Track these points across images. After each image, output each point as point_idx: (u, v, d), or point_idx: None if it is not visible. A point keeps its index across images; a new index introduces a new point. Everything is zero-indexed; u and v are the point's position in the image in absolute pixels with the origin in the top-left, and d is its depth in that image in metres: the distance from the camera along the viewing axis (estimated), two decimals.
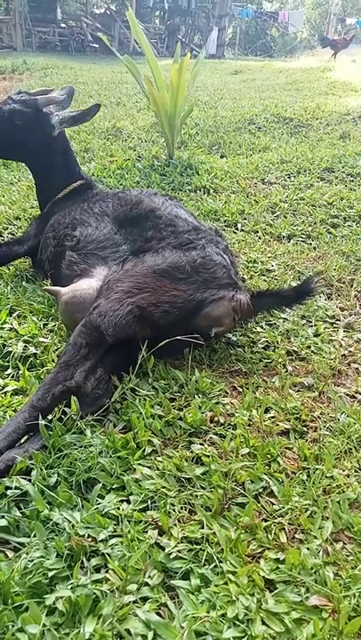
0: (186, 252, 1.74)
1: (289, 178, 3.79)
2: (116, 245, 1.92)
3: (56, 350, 1.72)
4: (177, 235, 1.82)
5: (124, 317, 1.51)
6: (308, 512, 1.17)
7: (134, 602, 0.96)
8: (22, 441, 1.32)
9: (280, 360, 1.77)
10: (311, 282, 1.73)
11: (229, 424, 1.45)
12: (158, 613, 0.95)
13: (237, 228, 2.94)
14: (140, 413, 1.41)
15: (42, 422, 1.29)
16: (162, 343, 1.59)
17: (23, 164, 3.39)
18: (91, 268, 1.87)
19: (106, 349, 1.51)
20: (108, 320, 1.49)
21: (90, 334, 1.48)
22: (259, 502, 1.20)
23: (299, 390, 1.64)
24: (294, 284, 2.29)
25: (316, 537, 1.11)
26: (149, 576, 1.01)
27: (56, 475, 1.20)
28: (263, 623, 0.94)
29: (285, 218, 3.06)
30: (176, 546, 1.06)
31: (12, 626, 0.90)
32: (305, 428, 1.47)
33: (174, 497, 1.19)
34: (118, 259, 1.84)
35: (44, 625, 0.90)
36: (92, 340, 1.47)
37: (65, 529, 1.07)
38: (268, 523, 1.14)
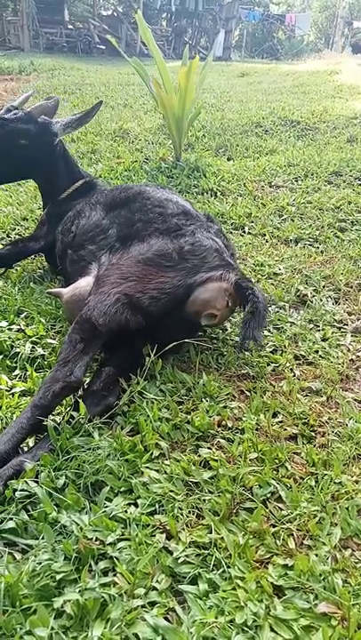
0: (174, 240, 1.68)
1: (296, 181, 3.78)
2: (104, 231, 1.87)
3: None
4: (165, 218, 1.76)
5: (112, 306, 1.50)
6: (317, 518, 1.16)
7: (142, 606, 0.96)
8: (31, 445, 1.32)
9: (288, 364, 1.76)
10: (257, 338, 1.59)
11: (237, 428, 1.45)
12: (166, 618, 0.95)
13: (245, 231, 2.94)
14: (148, 416, 1.41)
15: (50, 424, 1.28)
16: (169, 346, 1.59)
17: None
18: (88, 265, 1.86)
19: (103, 341, 1.50)
20: (98, 311, 1.49)
21: (82, 328, 1.48)
22: (267, 507, 1.19)
23: (307, 395, 1.63)
24: (302, 287, 2.29)
25: (324, 543, 1.10)
26: (157, 580, 1.01)
27: (64, 477, 1.20)
28: (272, 630, 0.93)
29: (293, 221, 3.06)
30: (184, 550, 1.06)
31: (21, 628, 0.90)
32: (313, 433, 1.46)
33: (182, 501, 1.18)
34: (106, 247, 1.82)
35: (52, 628, 0.90)
36: (85, 333, 1.47)
37: (73, 532, 1.07)
38: (277, 528, 1.14)
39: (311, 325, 2.04)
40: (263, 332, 1.73)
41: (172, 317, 1.61)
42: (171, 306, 1.59)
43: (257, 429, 1.44)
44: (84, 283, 1.76)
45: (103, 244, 1.84)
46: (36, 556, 1.02)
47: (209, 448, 1.36)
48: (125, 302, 1.52)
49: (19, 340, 1.75)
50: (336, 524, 1.16)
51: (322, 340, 1.93)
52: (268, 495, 1.22)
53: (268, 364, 1.77)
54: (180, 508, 1.16)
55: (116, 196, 1.97)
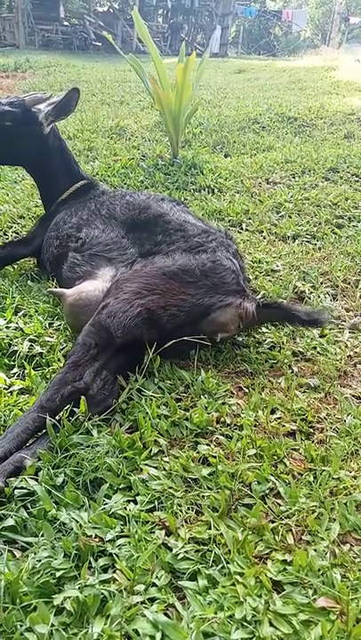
0: (196, 256, 1.73)
1: (293, 178, 3.78)
2: (124, 249, 1.90)
3: (62, 349, 1.72)
4: (187, 239, 1.82)
5: (132, 319, 1.51)
6: (316, 514, 1.17)
7: (142, 602, 0.96)
8: (30, 441, 1.32)
9: (286, 361, 1.77)
10: (325, 314, 1.75)
11: (236, 425, 1.45)
12: (166, 614, 0.95)
13: (242, 228, 2.94)
14: (147, 413, 1.42)
15: (49, 422, 1.28)
16: (168, 344, 1.59)
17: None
18: (95, 270, 1.86)
19: (114, 350, 1.51)
20: (118, 321, 1.49)
21: (99, 334, 1.48)
22: (266, 503, 1.20)
23: (305, 391, 1.64)
24: (299, 284, 2.29)
25: (323, 539, 1.11)
26: (157, 576, 1.01)
27: (63, 474, 1.21)
28: (271, 625, 0.94)
29: (290, 218, 3.06)
30: (183, 546, 1.06)
31: (21, 625, 0.90)
32: (311, 430, 1.47)
33: (181, 497, 1.19)
34: (126, 261, 1.84)
35: (53, 625, 0.90)
36: (101, 340, 1.47)
37: (72, 529, 1.07)
38: (276, 524, 1.14)
39: (315, 328, 2.03)
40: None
41: (183, 332, 1.63)
42: (185, 323, 1.63)
43: (255, 426, 1.45)
44: (91, 287, 1.75)
45: (123, 258, 1.87)
46: (35, 554, 1.02)
47: (208, 445, 1.36)
48: (146, 317, 1.54)
49: (16, 337, 1.75)
50: (334, 520, 1.16)
51: (320, 337, 1.93)
52: (267, 491, 1.23)
53: (267, 361, 1.78)
54: (180, 505, 1.17)
55: (136, 217, 1.98)
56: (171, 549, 1.06)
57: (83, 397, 1.39)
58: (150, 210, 1.98)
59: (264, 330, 1.94)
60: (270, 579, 1.01)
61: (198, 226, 1.93)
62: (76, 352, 1.45)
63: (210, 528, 1.11)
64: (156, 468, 1.26)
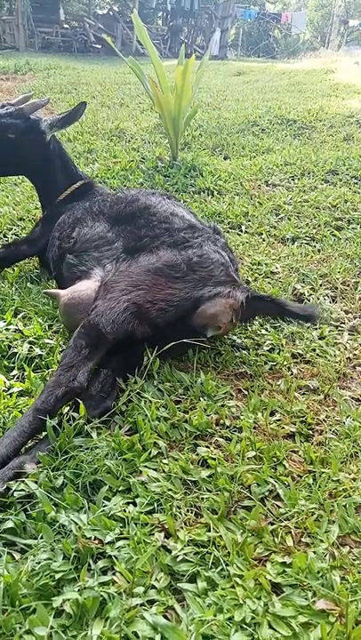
0: (182, 251, 1.72)
1: (293, 180, 3.79)
2: (110, 243, 1.88)
3: (61, 352, 1.72)
4: (172, 233, 1.79)
5: (121, 314, 1.51)
6: (315, 516, 1.17)
7: (141, 604, 0.96)
8: (30, 445, 1.32)
9: (285, 363, 1.77)
10: (318, 309, 1.74)
11: (235, 427, 1.45)
12: (165, 616, 0.95)
13: (241, 230, 2.94)
14: (146, 416, 1.42)
15: (49, 424, 1.28)
16: (168, 346, 1.59)
17: None
18: (89, 270, 1.86)
19: (107, 349, 1.50)
20: (106, 318, 1.49)
21: (89, 334, 1.48)
22: (265, 505, 1.20)
23: (304, 393, 1.64)
24: (299, 286, 2.30)
25: (322, 541, 1.11)
26: (156, 579, 1.01)
27: (62, 477, 1.21)
28: (270, 627, 0.94)
29: (289, 220, 3.06)
30: (183, 549, 1.06)
31: (20, 628, 0.90)
32: (311, 432, 1.47)
33: (180, 500, 1.19)
34: (112, 257, 1.82)
35: (52, 627, 0.90)
36: (91, 339, 1.47)
37: (72, 531, 1.07)
38: (275, 526, 1.14)
39: (308, 324, 2.04)
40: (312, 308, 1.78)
41: (176, 327, 1.62)
42: (177, 317, 1.62)
43: (255, 428, 1.45)
44: (84, 286, 1.75)
45: (109, 254, 1.86)
46: (35, 556, 1.02)
47: (207, 447, 1.36)
48: (134, 311, 1.53)
49: (16, 340, 1.75)
50: (334, 522, 1.16)
51: (319, 339, 1.94)
52: (267, 493, 1.23)
53: (266, 363, 1.78)
54: (179, 507, 1.17)
55: (122, 210, 1.97)
56: (170, 552, 1.06)
57: (81, 401, 1.39)
58: (137, 203, 1.96)
59: (263, 332, 1.95)
60: (270, 581, 1.01)
61: (186, 219, 1.89)
62: (69, 354, 1.45)
63: (209, 530, 1.11)
64: (155, 470, 1.26)
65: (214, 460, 1.30)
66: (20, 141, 2.20)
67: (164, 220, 1.85)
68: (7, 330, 1.80)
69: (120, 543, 1.06)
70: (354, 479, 1.29)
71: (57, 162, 2.34)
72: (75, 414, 1.37)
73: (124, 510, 1.14)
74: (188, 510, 1.17)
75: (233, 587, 0.99)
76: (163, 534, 1.10)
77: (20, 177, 3.68)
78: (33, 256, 2.35)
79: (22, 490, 1.16)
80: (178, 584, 1.01)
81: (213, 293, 1.64)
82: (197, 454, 1.33)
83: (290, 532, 1.13)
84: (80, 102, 2.30)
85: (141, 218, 1.88)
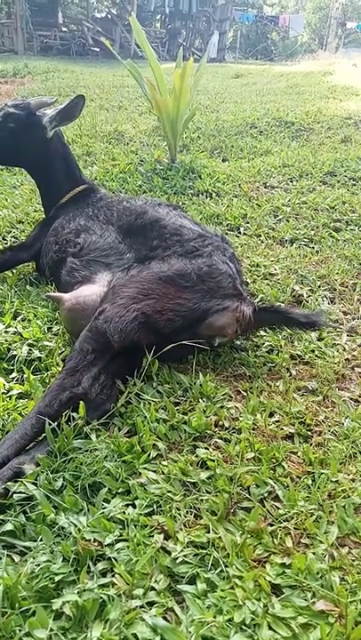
0: (192, 260, 1.74)
1: (291, 182, 3.80)
2: (121, 254, 1.91)
3: (60, 354, 1.72)
4: (183, 243, 1.82)
5: (129, 324, 1.51)
6: (314, 517, 1.17)
7: (141, 606, 0.96)
8: (29, 447, 1.32)
9: (284, 364, 1.77)
10: (322, 316, 1.77)
11: (234, 428, 1.45)
12: (165, 618, 0.95)
13: (240, 232, 2.95)
14: (145, 417, 1.42)
15: (48, 427, 1.28)
16: (167, 348, 1.60)
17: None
18: (93, 275, 1.87)
19: (112, 355, 1.51)
20: (114, 326, 1.50)
21: (96, 340, 1.48)
22: (264, 507, 1.20)
23: (303, 394, 1.64)
24: (297, 287, 2.30)
25: (321, 542, 1.11)
26: (156, 580, 1.01)
27: (62, 479, 1.21)
28: (270, 628, 0.94)
29: (288, 222, 3.07)
30: (182, 550, 1.06)
31: (20, 630, 0.90)
32: (309, 433, 1.47)
33: (180, 501, 1.19)
34: (122, 266, 1.84)
35: (52, 629, 0.90)
36: (98, 345, 1.48)
37: (71, 533, 1.07)
38: (274, 527, 1.14)
39: (312, 330, 2.04)
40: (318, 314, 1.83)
41: (180, 337, 1.63)
42: (183, 328, 1.63)
43: (254, 429, 1.45)
44: (89, 291, 1.75)
45: (120, 264, 1.88)
46: (34, 558, 1.02)
47: (206, 448, 1.36)
48: (143, 322, 1.54)
49: (15, 342, 1.75)
50: (333, 523, 1.16)
51: (318, 340, 1.94)
52: (266, 494, 1.23)
53: (265, 364, 1.78)
54: (178, 509, 1.17)
55: (132, 222, 1.99)
56: (169, 553, 1.06)
57: (81, 402, 1.39)
58: (147, 215, 1.99)
59: (262, 333, 1.95)
60: (269, 582, 1.01)
61: (195, 230, 1.93)
62: (74, 358, 1.45)
63: (209, 532, 1.11)
64: (154, 471, 1.26)
65: (213, 461, 1.30)
66: (20, 132, 2.23)
67: (175, 233, 1.88)
68: (6, 332, 1.80)
69: (119, 545, 1.07)
70: (353, 480, 1.29)
71: (60, 163, 2.35)
72: (74, 414, 1.37)
73: (124, 512, 1.14)
74: (187, 512, 1.17)
75: (232, 588, 1.00)
76: (162, 536, 1.10)
77: (20, 180, 3.68)
78: (30, 261, 2.35)
79: (22, 492, 1.16)
80: (177, 586, 1.01)
81: (222, 307, 1.67)
82: (197, 456, 1.33)
83: (289, 533, 1.13)
84: (77, 95, 2.27)
85: (153, 230, 1.92)
